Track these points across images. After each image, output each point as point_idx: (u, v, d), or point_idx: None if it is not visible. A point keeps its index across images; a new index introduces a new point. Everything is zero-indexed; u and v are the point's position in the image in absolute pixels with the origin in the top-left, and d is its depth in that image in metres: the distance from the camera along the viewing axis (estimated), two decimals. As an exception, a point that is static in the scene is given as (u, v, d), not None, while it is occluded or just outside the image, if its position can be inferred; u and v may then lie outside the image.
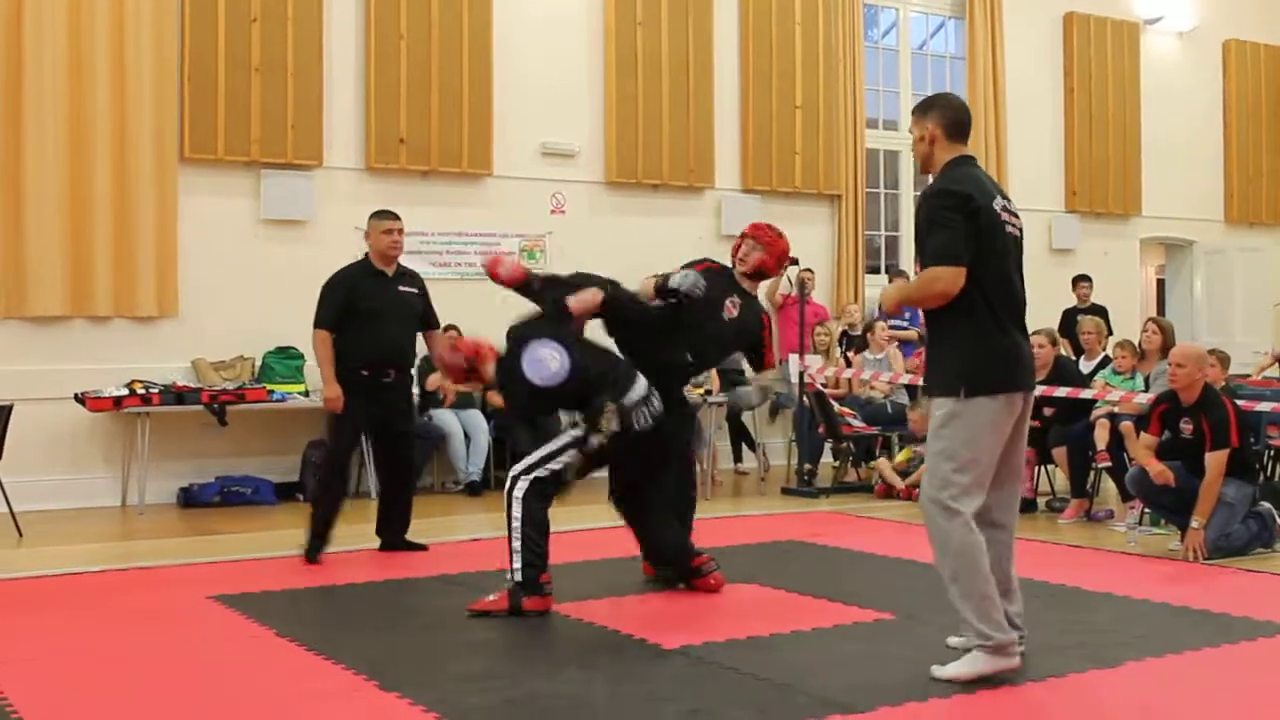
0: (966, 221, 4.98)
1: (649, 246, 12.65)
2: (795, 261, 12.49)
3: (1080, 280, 13.94)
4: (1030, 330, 10.42)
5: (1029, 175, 15.05)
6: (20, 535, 8.71)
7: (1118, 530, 8.95)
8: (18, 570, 7.51)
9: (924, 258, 5.09)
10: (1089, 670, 5.17)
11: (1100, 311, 13.00)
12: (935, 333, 5.20)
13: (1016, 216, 5.25)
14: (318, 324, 7.85)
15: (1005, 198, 5.21)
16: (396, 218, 8.05)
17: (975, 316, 5.02)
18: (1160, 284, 18.30)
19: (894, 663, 5.28)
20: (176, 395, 10.14)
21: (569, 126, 12.41)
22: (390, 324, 7.84)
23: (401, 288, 8.02)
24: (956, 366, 5.03)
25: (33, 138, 10.06)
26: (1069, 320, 12.99)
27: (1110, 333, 11.57)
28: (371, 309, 7.79)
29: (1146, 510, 8.73)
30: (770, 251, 7.34)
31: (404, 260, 8.18)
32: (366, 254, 8.07)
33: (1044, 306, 13.85)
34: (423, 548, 8.08)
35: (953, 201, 5.01)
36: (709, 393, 11.29)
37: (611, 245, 12.44)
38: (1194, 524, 7.82)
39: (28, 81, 10.05)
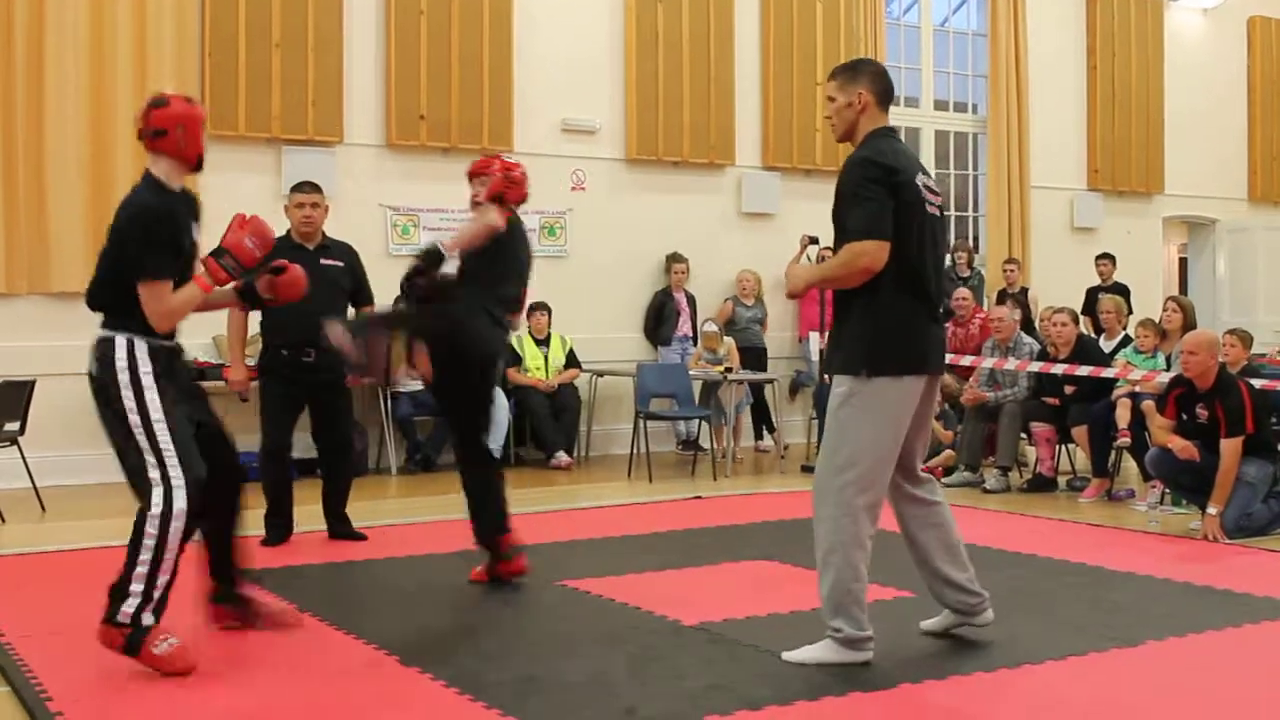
0: (889, 196, 4.79)
1: (669, 224, 12.66)
2: (815, 240, 12.54)
3: (1103, 258, 13.88)
4: (1052, 308, 10.50)
5: (1051, 153, 14.99)
6: (43, 510, 8.76)
7: (1139, 509, 8.93)
8: (41, 545, 7.56)
9: (842, 231, 4.86)
10: (1110, 649, 5.17)
11: (1122, 290, 12.96)
12: (841, 309, 4.98)
13: (937, 194, 5.07)
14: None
15: (926, 174, 5.05)
16: (313, 189, 7.61)
17: (883, 294, 4.82)
18: (1183, 262, 18.23)
19: (913, 640, 5.29)
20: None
21: (589, 103, 12.39)
22: (309, 300, 6.39)
23: (324, 261, 7.43)
24: (860, 345, 4.85)
25: (54, 113, 10.08)
26: (1092, 298, 12.96)
27: (1130, 312, 11.52)
28: None
29: (1167, 490, 8.71)
30: (495, 177, 6.52)
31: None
32: (289, 229, 7.52)
33: (1066, 285, 13.85)
34: (361, 537, 7.69)
35: (877, 173, 4.81)
36: (729, 370, 11.31)
37: (631, 222, 12.46)
38: (1211, 511, 7.81)
39: (49, 57, 10.06)
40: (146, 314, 4.87)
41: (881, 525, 8.29)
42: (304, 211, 7.48)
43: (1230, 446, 7.80)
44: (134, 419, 4.82)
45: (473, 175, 6.63)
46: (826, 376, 11.26)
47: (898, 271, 4.80)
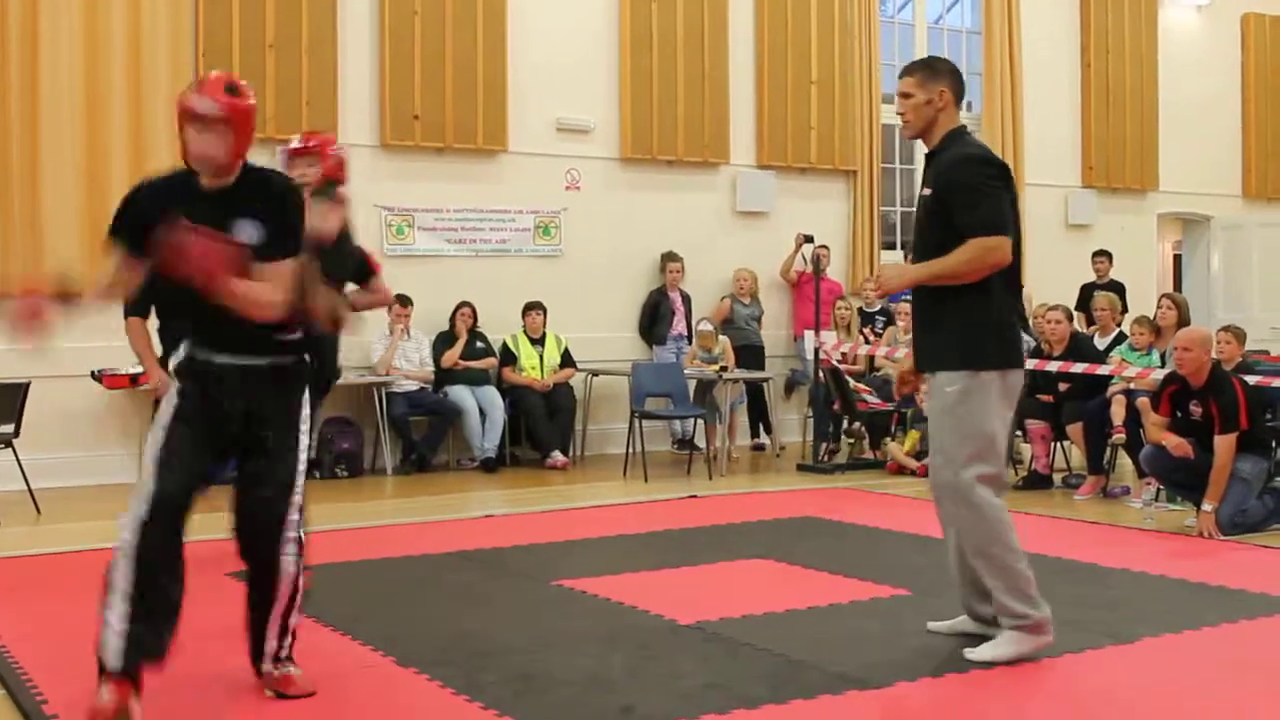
0: (1006, 192, 4.94)
1: (664, 223, 12.65)
2: (810, 239, 12.56)
3: (1099, 255, 13.89)
4: (1046, 305, 10.51)
5: (1046, 150, 14.98)
6: (38, 512, 8.75)
7: (1134, 506, 8.94)
8: (36, 547, 7.55)
9: (942, 228, 4.93)
10: (1106, 646, 5.18)
11: (1117, 288, 12.97)
12: (939, 305, 5.03)
13: None
14: (128, 312, 6.84)
15: None
16: None
17: (992, 291, 4.93)
18: (1177, 259, 18.25)
19: (910, 638, 5.29)
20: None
21: (584, 102, 12.37)
22: None
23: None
24: (975, 339, 4.93)
25: (49, 114, 10.06)
26: (1086, 295, 12.99)
27: (1125, 309, 11.54)
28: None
29: (1162, 487, 8.71)
30: (329, 161, 6.03)
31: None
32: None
33: (1060, 282, 13.83)
34: None
35: (995, 171, 4.96)
36: (724, 369, 11.31)
37: (626, 222, 12.45)
38: (1206, 507, 7.82)
39: (44, 57, 10.04)
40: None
41: (887, 526, 8.32)
42: None
43: (1224, 443, 7.81)
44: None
45: (295, 155, 6.06)
46: (818, 375, 11.32)
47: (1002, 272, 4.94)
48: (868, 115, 13.76)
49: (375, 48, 11.42)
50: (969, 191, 4.90)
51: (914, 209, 5.52)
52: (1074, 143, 15.34)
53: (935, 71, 5.12)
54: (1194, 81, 16.06)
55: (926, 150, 5.23)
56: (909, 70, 5.16)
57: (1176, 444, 8.01)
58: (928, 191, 5.06)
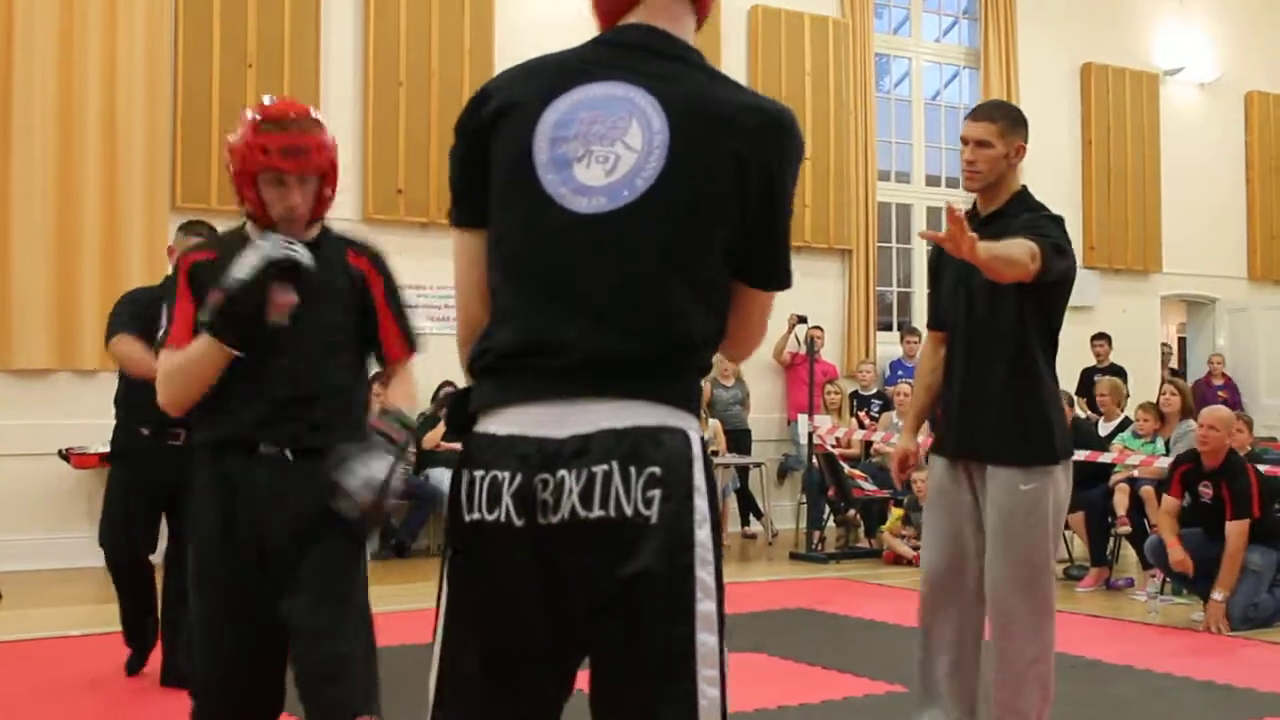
0: (1071, 255, 4.38)
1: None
2: (804, 319, 12.31)
3: (1098, 339, 13.67)
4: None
5: (1046, 230, 14.80)
6: (0, 596, 8.44)
7: (1138, 599, 8.70)
8: (-3, 634, 7.29)
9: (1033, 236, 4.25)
10: (1109, 752, 4.90)
11: (1118, 372, 12.72)
12: (1006, 389, 4.44)
13: None
14: (112, 333, 5.73)
15: None
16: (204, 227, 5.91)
17: (1047, 375, 4.49)
18: (1182, 343, 18.04)
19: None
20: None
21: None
22: None
23: None
24: (1042, 431, 4.44)
25: (20, 186, 9.87)
26: (1087, 380, 12.74)
27: (1127, 394, 11.30)
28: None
29: (1168, 579, 8.48)
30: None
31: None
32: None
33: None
34: None
35: (1065, 236, 4.35)
36: (715, 453, 11.02)
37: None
38: (1216, 596, 7.62)
39: (15, 129, 9.87)
40: None
41: (883, 618, 8.03)
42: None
43: (1236, 529, 7.63)
44: None
45: None
46: (812, 460, 11.03)
47: (1052, 350, 4.53)
48: (863, 193, 13.58)
49: (359, 121, 11.27)
50: (1032, 227, 4.28)
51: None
52: (1075, 222, 15.12)
53: (1015, 122, 4.50)
54: (1197, 161, 15.90)
55: (983, 210, 4.55)
56: (988, 115, 4.53)
57: (1178, 560, 7.83)
58: None
